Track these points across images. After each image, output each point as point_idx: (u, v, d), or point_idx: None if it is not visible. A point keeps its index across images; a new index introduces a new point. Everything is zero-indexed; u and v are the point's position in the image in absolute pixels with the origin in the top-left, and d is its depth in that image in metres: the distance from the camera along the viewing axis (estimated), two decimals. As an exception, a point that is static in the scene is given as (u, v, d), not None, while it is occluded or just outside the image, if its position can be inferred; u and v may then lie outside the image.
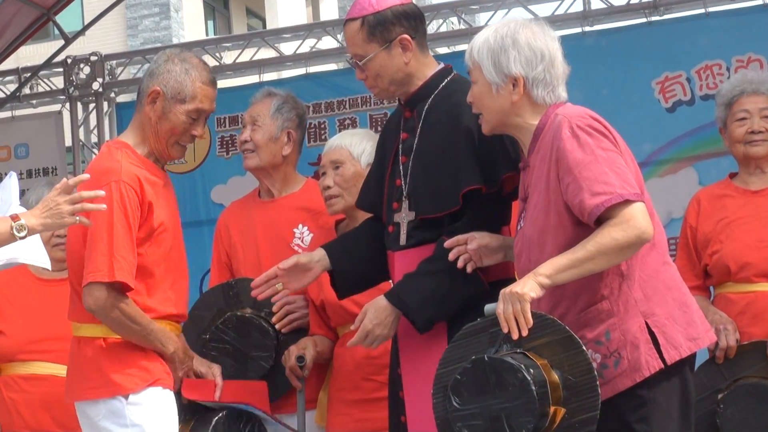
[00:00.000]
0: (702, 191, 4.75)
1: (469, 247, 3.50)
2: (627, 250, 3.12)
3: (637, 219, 3.10)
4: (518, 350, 3.08)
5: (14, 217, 3.35)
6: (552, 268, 3.12)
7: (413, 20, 3.72)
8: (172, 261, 3.83)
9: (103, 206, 3.50)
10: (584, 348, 3.06)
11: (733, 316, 4.44)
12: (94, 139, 7.68)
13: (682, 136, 6.18)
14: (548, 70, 3.34)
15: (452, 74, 3.79)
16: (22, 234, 3.32)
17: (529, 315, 3.09)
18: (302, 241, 4.38)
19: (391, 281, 3.79)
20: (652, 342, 3.18)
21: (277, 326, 4.24)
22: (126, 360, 3.72)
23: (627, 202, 3.11)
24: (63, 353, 4.39)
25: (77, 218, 3.38)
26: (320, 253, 3.83)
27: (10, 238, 3.33)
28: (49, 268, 4.10)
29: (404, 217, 3.69)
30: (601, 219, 3.12)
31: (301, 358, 4.13)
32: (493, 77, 3.33)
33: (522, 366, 2.99)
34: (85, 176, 3.53)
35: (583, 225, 3.18)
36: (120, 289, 3.65)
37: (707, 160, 6.06)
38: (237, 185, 6.74)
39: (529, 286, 3.10)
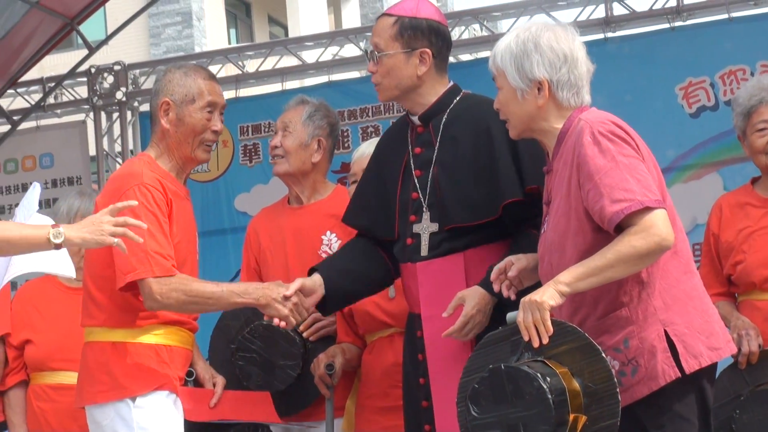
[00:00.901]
0: (723, 198, 4.73)
1: (509, 274, 3.49)
2: (647, 257, 3.10)
3: (658, 226, 3.09)
4: (538, 358, 3.08)
5: (54, 225, 3.37)
6: (571, 276, 3.11)
7: (441, 41, 3.79)
8: (184, 272, 3.82)
9: (140, 239, 3.51)
10: (604, 355, 3.05)
11: (758, 322, 4.42)
12: (118, 148, 7.71)
13: (706, 141, 6.16)
14: (572, 71, 3.34)
15: (462, 92, 3.85)
16: (58, 240, 3.33)
17: (549, 323, 3.09)
18: (330, 248, 4.39)
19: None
20: (671, 351, 3.15)
21: (305, 334, 4.24)
22: (134, 363, 3.76)
23: (647, 209, 3.10)
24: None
25: (116, 240, 3.39)
26: (319, 279, 3.80)
27: (46, 244, 3.34)
28: (74, 276, 4.12)
29: (426, 228, 3.71)
30: (622, 226, 3.11)
31: (330, 366, 4.13)
32: (517, 82, 3.33)
33: (538, 375, 2.99)
34: (133, 202, 3.55)
35: (603, 231, 3.16)
36: (167, 276, 3.69)
37: (732, 165, 6.03)
38: (260, 193, 6.76)
39: (548, 294, 3.10)
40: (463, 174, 3.70)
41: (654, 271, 3.18)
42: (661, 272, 3.20)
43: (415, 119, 3.82)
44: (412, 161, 3.79)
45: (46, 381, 4.57)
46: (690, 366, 3.15)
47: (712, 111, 6.20)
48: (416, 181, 3.76)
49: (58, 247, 3.33)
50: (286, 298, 3.66)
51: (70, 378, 4.50)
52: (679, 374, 3.14)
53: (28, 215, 3.71)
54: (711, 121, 6.18)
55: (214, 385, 3.98)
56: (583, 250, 3.19)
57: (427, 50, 3.75)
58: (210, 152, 3.95)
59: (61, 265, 3.65)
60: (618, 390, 3.03)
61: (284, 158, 4.46)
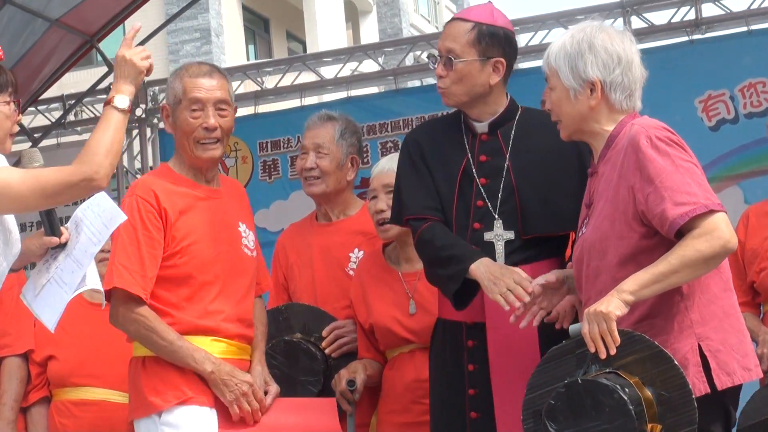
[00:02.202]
0: (752, 207, 4.73)
1: (535, 291, 3.46)
2: (711, 261, 3.08)
3: (721, 229, 3.06)
4: (609, 370, 3.05)
5: (108, 100, 3.43)
6: (636, 284, 3.08)
7: (513, 51, 3.80)
8: (211, 273, 3.79)
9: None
10: (676, 362, 3.02)
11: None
12: (138, 165, 7.73)
13: (727, 154, 6.14)
14: (625, 74, 3.33)
15: (519, 105, 3.86)
16: (125, 106, 3.41)
17: (616, 333, 3.06)
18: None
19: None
20: (702, 365, 3.13)
21: (326, 351, 4.24)
22: (160, 378, 3.73)
23: (711, 212, 3.07)
24: (113, 378, 4.43)
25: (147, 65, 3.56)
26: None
27: (124, 118, 3.40)
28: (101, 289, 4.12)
29: (500, 236, 3.68)
30: (682, 230, 3.08)
31: (351, 382, 4.12)
32: (570, 82, 3.32)
33: (617, 386, 2.96)
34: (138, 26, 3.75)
35: (650, 238, 3.15)
36: (136, 300, 3.68)
37: (752, 178, 6.02)
38: (280, 209, 6.77)
39: (614, 305, 3.07)
40: (546, 184, 3.69)
41: (695, 284, 3.16)
42: (701, 287, 3.18)
43: (481, 126, 3.77)
44: (474, 169, 3.75)
45: (68, 397, 4.57)
46: (722, 382, 3.12)
47: (732, 124, 6.18)
48: (482, 189, 3.72)
49: (130, 109, 3.44)
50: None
51: (92, 394, 4.52)
52: (708, 390, 3.11)
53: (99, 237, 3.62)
54: (731, 134, 6.16)
55: (266, 393, 3.85)
56: (626, 255, 3.17)
57: (502, 60, 3.74)
58: (212, 150, 3.85)
59: (96, 280, 3.61)
60: (694, 396, 3.00)
61: (321, 179, 4.42)
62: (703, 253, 3.05)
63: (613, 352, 3.06)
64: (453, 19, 3.82)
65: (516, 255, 3.65)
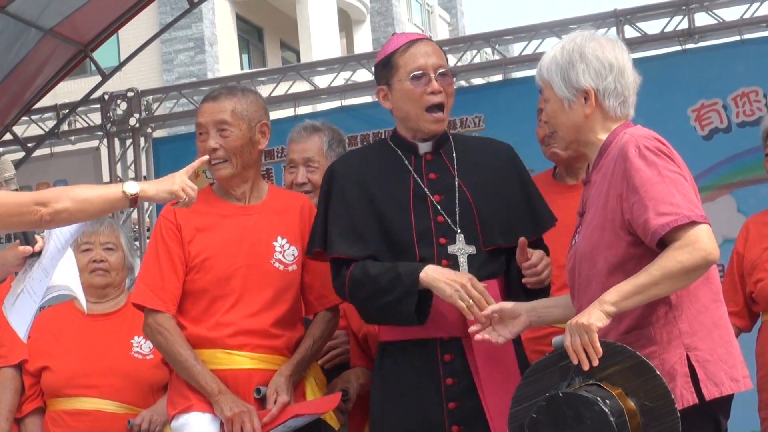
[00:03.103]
0: (752, 218, 4.73)
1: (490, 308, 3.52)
2: (693, 273, 3.08)
3: (703, 241, 3.06)
4: (591, 382, 3.06)
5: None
6: (617, 296, 3.09)
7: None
8: (227, 287, 3.90)
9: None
10: (658, 372, 3.03)
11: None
12: (131, 174, 7.72)
13: (720, 163, 6.16)
14: (618, 80, 3.33)
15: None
16: (134, 191, 3.34)
17: (598, 345, 3.06)
18: None
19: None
20: (691, 376, 3.12)
21: (319, 362, 4.23)
22: (173, 386, 3.95)
23: (693, 223, 3.07)
24: (108, 388, 4.43)
25: (184, 197, 3.46)
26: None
27: (123, 199, 3.33)
28: (86, 311, 4.13)
29: (462, 250, 3.69)
30: (665, 240, 3.09)
31: (345, 392, 4.11)
32: (564, 92, 3.32)
33: (597, 398, 2.96)
34: (205, 158, 3.88)
35: (638, 246, 3.15)
36: (161, 313, 3.91)
37: (745, 187, 6.02)
38: (274, 218, 6.76)
39: (595, 316, 3.07)
40: (497, 198, 3.73)
41: (684, 294, 3.15)
42: (691, 297, 3.17)
43: (425, 146, 3.78)
44: (426, 187, 3.77)
45: (63, 407, 4.56)
46: (710, 393, 3.11)
47: (725, 133, 6.20)
48: (438, 206, 3.73)
49: (133, 199, 3.34)
50: None
51: (87, 404, 4.50)
52: (696, 400, 3.10)
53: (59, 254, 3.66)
54: (724, 143, 6.17)
55: (275, 402, 3.87)
56: (614, 264, 3.18)
57: None
58: (221, 169, 3.99)
59: (76, 287, 3.63)
60: (676, 406, 3.01)
61: (314, 193, 4.34)
62: (684, 265, 3.05)
63: (595, 363, 3.07)
64: (423, 40, 3.83)
65: (481, 270, 3.66)
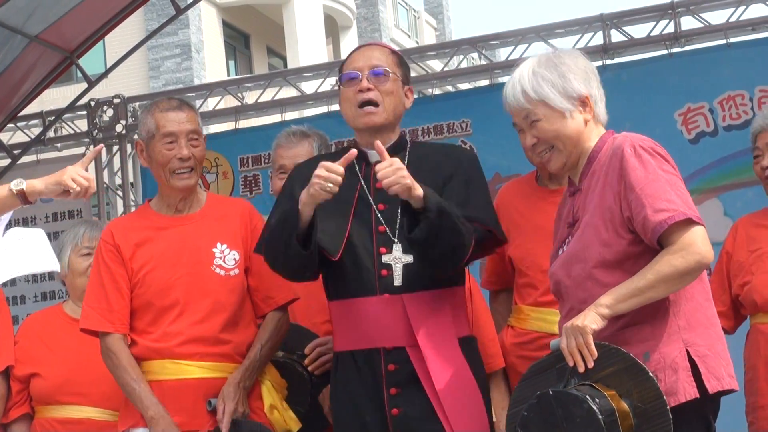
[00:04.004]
0: (741, 219, 4.73)
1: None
2: (687, 276, 3.12)
3: (697, 244, 3.11)
4: (584, 383, 3.08)
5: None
6: (613, 299, 3.12)
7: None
8: (170, 297, 3.92)
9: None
10: (651, 374, 3.05)
11: (762, 346, 4.42)
12: (118, 181, 7.72)
13: (706, 167, 6.17)
14: (598, 86, 3.39)
15: (410, 140, 3.91)
16: (20, 187, 3.39)
17: (593, 347, 3.09)
18: None
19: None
20: (692, 370, 3.15)
21: (310, 368, 4.22)
22: (125, 401, 4.01)
23: (689, 222, 3.12)
24: (99, 396, 4.41)
25: (74, 186, 3.49)
26: None
27: (11, 196, 3.37)
28: (58, 270, 4.16)
29: (399, 259, 3.65)
30: (662, 239, 3.12)
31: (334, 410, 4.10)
32: (563, 104, 3.32)
33: (587, 396, 3.00)
34: (100, 146, 3.86)
35: (636, 244, 3.18)
36: (109, 335, 3.97)
37: (732, 191, 6.03)
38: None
39: (590, 319, 3.11)
40: None
41: (680, 292, 3.19)
42: (686, 295, 3.21)
43: (375, 154, 3.66)
44: (371, 196, 3.73)
45: (53, 415, 4.53)
46: (712, 386, 3.15)
47: (712, 137, 6.21)
48: (379, 214, 3.70)
49: (21, 195, 3.36)
50: None
51: (77, 412, 4.48)
52: (698, 394, 3.13)
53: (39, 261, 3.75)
54: (710, 147, 6.19)
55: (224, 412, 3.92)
56: (612, 261, 3.20)
57: (411, 89, 3.85)
58: (186, 179, 3.98)
59: (43, 261, 3.67)
60: (668, 408, 3.03)
61: None
62: (679, 269, 3.10)
63: (590, 365, 3.10)
64: (368, 45, 3.86)
65: (416, 282, 3.64)
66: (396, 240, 3.66)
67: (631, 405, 3.04)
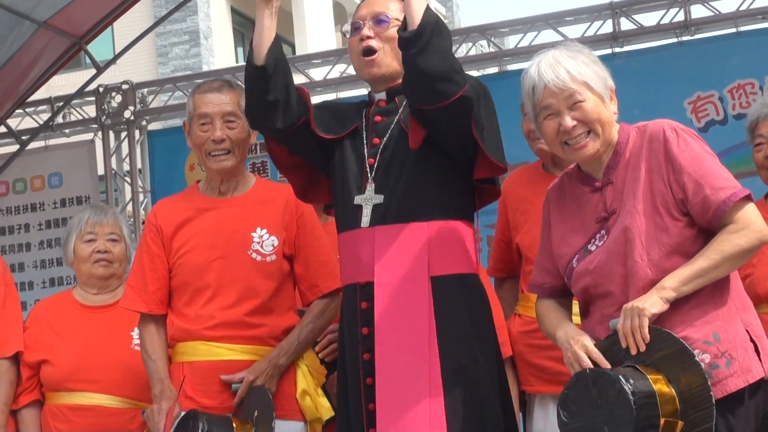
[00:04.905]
0: None
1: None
2: (748, 254, 3.17)
3: (756, 222, 3.15)
4: (630, 364, 3.09)
5: None
6: (677, 281, 3.12)
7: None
8: (204, 279, 3.95)
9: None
10: (697, 360, 3.06)
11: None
12: (126, 167, 7.72)
13: (716, 155, 6.14)
14: (612, 81, 3.39)
15: None
16: None
17: (646, 330, 3.09)
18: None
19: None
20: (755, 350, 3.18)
21: (320, 355, 4.22)
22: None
23: (747, 199, 3.16)
24: (109, 383, 4.42)
25: None
26: None
27: None
28: None
29: (369, 200, 3.54)
30: (722, 216, 3.14)
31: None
32: (602, 89, 3.32)
33: (620, 377, 3.00)
34: None
35: (692, 227, 3.18)
36: (145, 315, 4.07)
37: (741, 179, 5.86)
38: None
39: (650, 302, 3.10)
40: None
41: (732, 274, 3.23)
42: (732, 276, 3.25)
43: (380, 95, 3.65)
44: (369, 126, 3.63)
45: (63, 401, 4.53)
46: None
47: (721, 125, 6.19)
48: (374, 147, 3.60)
49: None
50: None
51: (87, 399, 4.48)
52: (765, 372, 3.16)
53: None
54: (720, 136, 6.16)
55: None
56: (671, 245, 3.19)
57: None
58: (223, 161, 4.02)
59: None
60: (712, 393, 3.03)
61: None
62: (742, 248, 3.13)
63: (642, 348, 3.09)
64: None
65: (388, 216, 3.50)
66: (370, 179, 3.57)
67: (678, 390, 3.04)
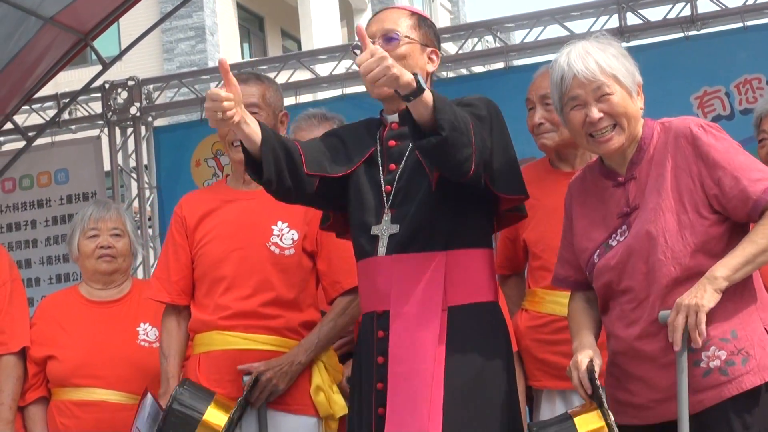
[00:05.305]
0: None
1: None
2: None
3: None
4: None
5: None
6: (728, 269, 3.11)
7: (440, 48, 3.67)
8: (221, 270, 3.98)
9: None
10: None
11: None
12: (132, 163, 7.72)
13: (722, 150, 6.14)
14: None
15: None
16: None
17: (704, 327, 3.08)
18: None
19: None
20: None
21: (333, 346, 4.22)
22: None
23: None
24: (115, 379, 4.43)
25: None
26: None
27: None
28: None
29: (386, 230, 3.50)
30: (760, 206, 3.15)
31: (350, 379, 4.11)
32: (629, 83, 3.33)
33: None
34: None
35: (719, 225, 3.19)
36: (168, 305, 4.13)
37: (748, 174, 6.00)
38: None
39: (708, 297, 3.09)
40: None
41: (754, 274, 3.23)
42: (755, 275, 3.24)
43: (393, 117, 3.60)
44: (383, 152, 3.59)
45: (69, 397, 4.54)
46: None
47: (728, 120, 6.17)
48: (390, 174, 3.55)
49: None
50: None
51: (94, 394, 4.49)
52: None
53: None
54: (727, 131, 6.09)
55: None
56: (697, 243, 3.19)
57: (437, 50, 3.64)
58: (239, 150, 3.96)
59: None
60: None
61: None
62: None
63: (699, 344, 3.10)
64: (385, 9, 3.68)
65: (404, 245, 3.46)
66: (386, 208, 3.52)
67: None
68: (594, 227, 3.40)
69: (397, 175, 3.54)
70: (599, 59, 3.31)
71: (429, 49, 3.60)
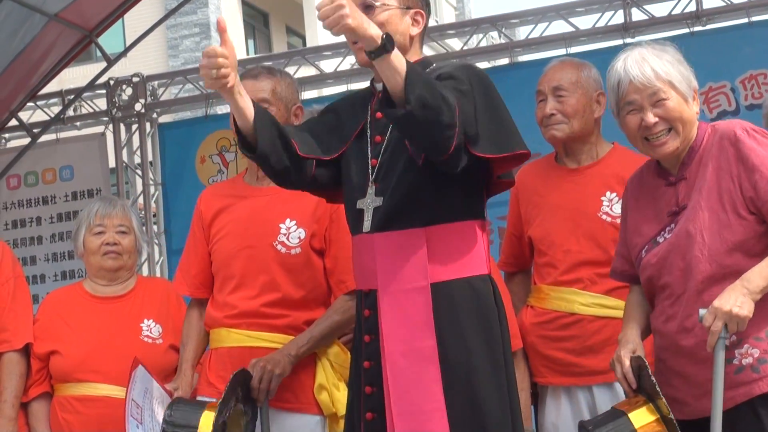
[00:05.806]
0: None
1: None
2: None
3: None
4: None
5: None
6: (763, 279, 3.18)
7: (428, 11, 3.52)
8: (231, 268, 4.00)
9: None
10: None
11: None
12: (137, 159, 7.72)
13: (728, 146, 6.13)
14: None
15: (433, 62, 3.55)
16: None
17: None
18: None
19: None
20: None
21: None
22: None
23: None
24: (117, 374, 4.41)
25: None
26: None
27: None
28: None
29: (371, 203, 3.41)
30: None
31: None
32: (685, 89, 3.41)
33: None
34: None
35: (758, 226, 3.25)
36: (193, 302, 4.19)
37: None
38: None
39: (748, 307, 3.15)
40: None
41: None
42: None
43: (379, 85, 3.32)
44: (371, 125, 3.50)
45: (71, 392, 4.54)
46: None
47: (734, 116, 6.16)
48: (375, 146, 3.45)
49: None
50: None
51: (96, 390, 4.49)
52: None
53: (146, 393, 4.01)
54: (732, 126, 6.14)
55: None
56: (734, 243, 3.25)
57: (422, 12, 3.48)
58: None
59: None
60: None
61: None
62: None
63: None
64: None
65: (386, 222, 3.38)
66: (371, 181, 3.43)
67: None
68: (645, 223, 3.48)
69: (383, 148, 3.44)
70: (655, 65, 3.40)
71: (412, 11, 3.46)
